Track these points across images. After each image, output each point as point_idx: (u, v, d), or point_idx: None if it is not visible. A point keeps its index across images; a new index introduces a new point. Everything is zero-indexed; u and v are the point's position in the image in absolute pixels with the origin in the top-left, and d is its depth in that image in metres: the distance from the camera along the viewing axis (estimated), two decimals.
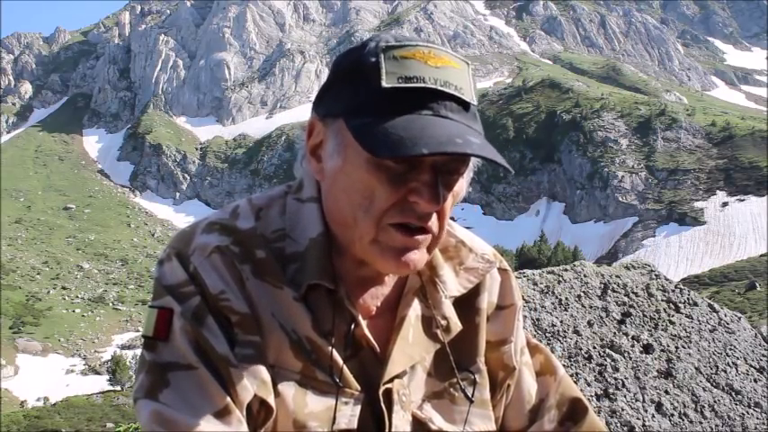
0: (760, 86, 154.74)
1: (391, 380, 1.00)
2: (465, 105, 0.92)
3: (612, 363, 2.31)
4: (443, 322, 1.05)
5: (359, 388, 0.98)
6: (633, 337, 2.42)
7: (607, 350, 2.35)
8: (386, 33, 0.95)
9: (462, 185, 0.96)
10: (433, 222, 0.94)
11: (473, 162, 0.96)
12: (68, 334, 69.34)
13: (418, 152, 0.84)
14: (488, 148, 0.89)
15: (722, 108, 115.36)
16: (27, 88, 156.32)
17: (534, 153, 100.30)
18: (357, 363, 0.99)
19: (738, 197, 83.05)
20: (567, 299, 2.45)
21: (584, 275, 2.57)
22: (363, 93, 0.91)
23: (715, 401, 2.34)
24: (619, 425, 2.17)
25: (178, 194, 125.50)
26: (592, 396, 2.20)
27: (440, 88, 0.89)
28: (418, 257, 0.94)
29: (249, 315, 0.95)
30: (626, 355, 2.35)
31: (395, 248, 0.93)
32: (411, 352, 1.02)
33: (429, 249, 0.96)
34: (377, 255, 0.93)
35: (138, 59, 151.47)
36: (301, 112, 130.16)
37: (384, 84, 0.89)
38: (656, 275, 2.69)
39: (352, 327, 0.98)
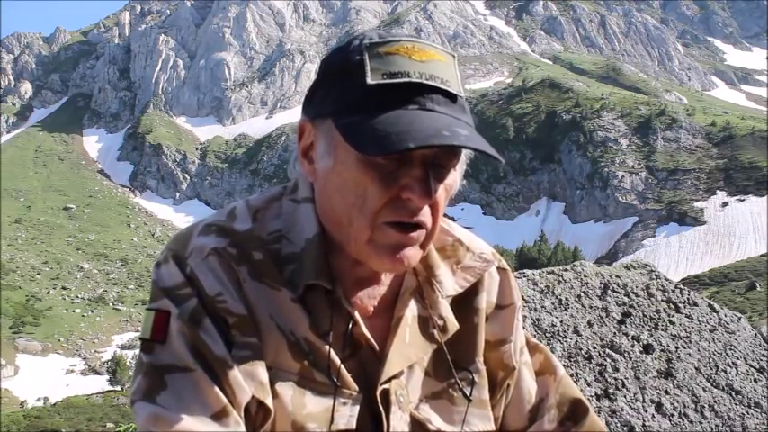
0: (760, 86, 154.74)
1: (389, 380, 1.00)
2: (452, 97, 0.92)
3: (612, 363, 2.31)
4: (440, 322, 1.05)
5: (357, 388, 0.98)
6: (633, 337, 2.42)
7: (607, 350, 2.35)
8: (371, 31, 0.96)
9: (455, 178, 0.96)
10: (426, 216, 0.94)
11: (465, 154, 0.96)
12: (68, 334, 69.35)
13: (405, 147, 0.84)
14: (476, 138, 0.89)
15: (722, 108, 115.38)
16: (27, 88, 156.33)
17: (534, 153, 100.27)
18: (356, 363, 0.99)
19: (738, 197, 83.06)
20: (567, 299, 2.45)
21: (584, 275, 2.57)
22: (350, 91, 0.91)
23: (715, 401, 2.34)
24: (619, 425, 2.17)
25: (178, 194, 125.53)
26: (592, 396, 2.20)
27: (425, 82, 0.90)
28: (413, 254, 0.95)
29: (246, 316, 0.95)
30: (626, 355, 2.35)
31: (389, 246, 0.93)
32: (408, 352, 1.02)
33: (423, 245, 0.96)
34: (372, 253, 0.94)
35: (138, 59, 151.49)
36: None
37: (369, 81, 0.89)
38: (656, 275, 2.70)
39: (351, 326, 0.98)
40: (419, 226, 0.93)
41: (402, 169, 0.90)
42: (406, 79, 0.89)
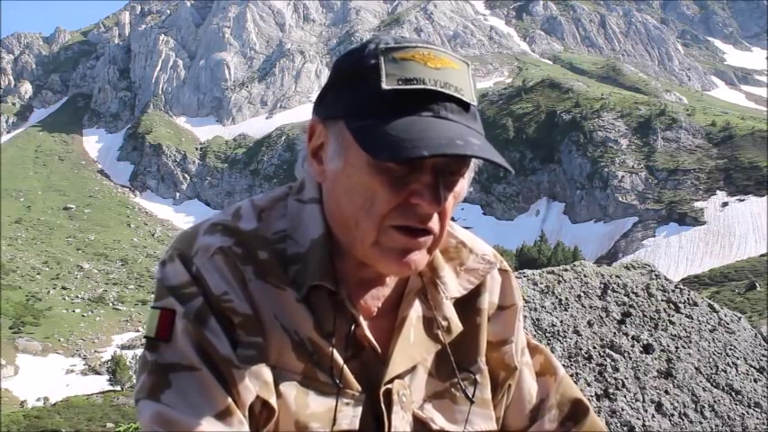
0: (760, 86, 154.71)
1: (392, 380, 1.00)
2: (465, 106, 0.92)
3: (612, 363, 2.31)
4: (444, 323, 1.05)
5: (359, 389, 0.98)
6: (633, 337, 2.42)
7: (607, 350, 2.35)
8: (386, 35, 0.95)
9: (463, 186, 0.96)
10: (435, 223, 0.94)
11: (474, 162, 0.96)
12: (68, 334, 69.31)
13: (418, 154, 0.84)
14: (488, 148, 0.89)
15: (722, 108, 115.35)
16: (27, 88, 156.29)
17: (534, 153, 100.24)
18: (358, 363, 0.99)
19: (738, 197, 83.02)
20: (567, 299, 2.45)
21: (584, 275, 2.57)
22: (363, 95, 0.91)
23: (715, 401, 2.34)
24: (619, 425, 2.17)
25: (178, 194, 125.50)
26: (592, 396, 2.20)
27: (440, 89, 0.90)
28: (419, 258, 0.95)
29: (251, 316, 0.95)
30: (626, 355, 2.35)
31: (396, 250, 0.93)
32: (412, 352, 1.02)
33: (430, 250, 0.97)
34: (378, 256, 0.94)
35: (138, 59, 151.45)
36: (301, 112, 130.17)
37: (384, 86, 0.90)
38: (656, 275, 2.69)
39: (353, 327, 0.99)
40: (427, 231, 0.94)
41: (412, 174, 0.91)
42: (422, 86, 0.90)
